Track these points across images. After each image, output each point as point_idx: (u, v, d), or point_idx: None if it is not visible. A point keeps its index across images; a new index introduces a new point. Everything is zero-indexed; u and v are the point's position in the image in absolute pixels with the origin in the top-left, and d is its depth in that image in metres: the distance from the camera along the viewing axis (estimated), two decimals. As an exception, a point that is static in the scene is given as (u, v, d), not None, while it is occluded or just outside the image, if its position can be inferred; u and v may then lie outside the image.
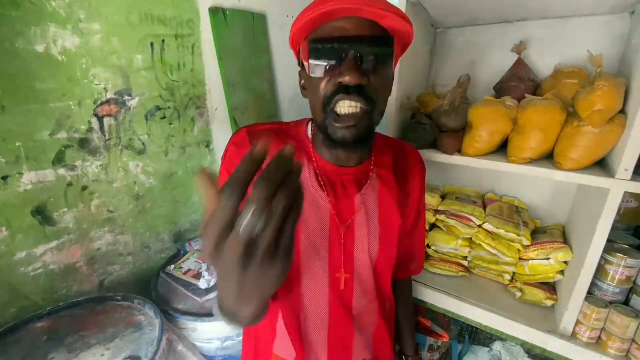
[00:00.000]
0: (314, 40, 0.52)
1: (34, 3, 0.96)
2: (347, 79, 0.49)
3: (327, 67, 0.52)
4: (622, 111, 0.75)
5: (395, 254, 0.69)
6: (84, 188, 1.15)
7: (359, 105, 0.51)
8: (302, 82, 0.61)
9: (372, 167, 0.65)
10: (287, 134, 0.65)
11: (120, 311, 1.08)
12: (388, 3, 0.51)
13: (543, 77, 1.00)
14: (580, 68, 0.91)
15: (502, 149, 0.94)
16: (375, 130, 0.69)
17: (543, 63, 1.01)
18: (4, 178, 0.98)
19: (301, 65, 0.59)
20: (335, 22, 0.51)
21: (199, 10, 1.40)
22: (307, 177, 0.62)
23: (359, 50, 0.49)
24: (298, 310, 0.64)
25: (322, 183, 0.62)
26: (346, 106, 0.51)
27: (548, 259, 0.96)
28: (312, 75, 0.54)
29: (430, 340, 1.15)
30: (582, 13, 0.93)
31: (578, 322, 0.87)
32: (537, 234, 1.05)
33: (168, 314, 1.13)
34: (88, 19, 1.08)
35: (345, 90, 0.51)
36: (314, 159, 0.63)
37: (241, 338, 1.15)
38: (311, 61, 0.52)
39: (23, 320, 0.99)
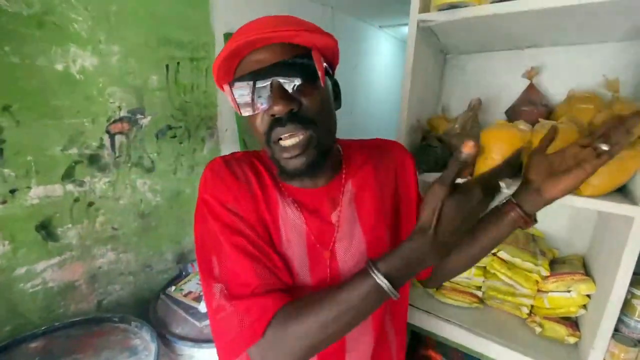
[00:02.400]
0: (236, 79, 0.50)
1: (58, 24, 1.01)
2: (275, 110, 0.47)
3: (256, 103, 0.50)
4: (642, 136, 0.73)
5: None
6: (90, 204, 1.15)
7: (297, 132, 0.49)
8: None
9: (343, 180, 0.62)
10: (260, 161, 0.61)
11: (116, 333, 1.03)
12: (293, 21, 0.51)
13: (555, 102, 0.98)
14: (594, 93, 0.90)
15: (516, 174, 0.91)
16: (349, 138, 0.68)
17: (554, 88, 1.01)
18: (12, 191, 0.98)
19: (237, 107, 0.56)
20: (249, 56, 0.50)
21: (214, 35, 1.45)
22: (282, 199, 0.58)
23: (281, 76, 0.48)
24: None
25: (296, 205, 0.58)
26: (287, 137, 0.50)
27: (569, 291, 0.90)
28: (244, 115, 0.52)
29: (443, 378, 1.08)
30: (595, 40, 0.93)
31: (605, 363, 0.80)
32: (555, 264, 1.00)
33: (165, 338, 1.08)
34: (108, 40, 1.12)
35: (279, 122, 0.49)
36: (282, 187, 0.59)
37: None
38: (238, 102, 0.51)
39: (16, 340, 0.96)
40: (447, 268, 0.71)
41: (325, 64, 0.53)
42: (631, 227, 0.70)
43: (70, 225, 1.11)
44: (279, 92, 0.48)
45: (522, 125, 0.87)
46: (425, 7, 0.89)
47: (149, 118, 1.27)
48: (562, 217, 1.08)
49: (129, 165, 1.24)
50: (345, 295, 0.47)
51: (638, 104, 0.72)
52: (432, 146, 0.95)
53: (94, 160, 1.14)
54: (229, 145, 1.59)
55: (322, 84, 0.51)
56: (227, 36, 1.49)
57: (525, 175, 0.60)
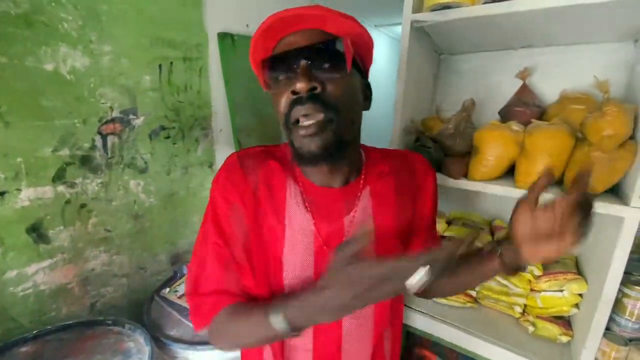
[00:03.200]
0: (268, 59, 0.53)
1: (47, 24, 0.99)
2: (297, 87, 0.48)
3: (283, 83, 0.52)
4: (633, 137, 0.74)
5: None
6: (82, 206, 1.14)
7: (316, 113, 0.49)
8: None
9: (361, 186, 0.61)
10: (274, 156, 0.62)
11: (109, 336, 1.02)
12: (324, 7, 0.51)
13: (548, 103, 0.99)
14: (586, 94, 0.91)
15: (508, 174, 0.92)
16: (373, 146, 0.68)
17: (547, 89, 1.01)
18: (2, 194, 0.96)
19: (265, 87, 0.58)
20: (284, 39, 0.52)
21: (208, 35, 1.44)
22: (292, 198, 0.59)
23: (309, 59, 0.49)
24: None
25: (306, 204, 0.59)
26: (304, 116, 0.50)
27: (561, 290, 0.91)
28: (271, 92, 0.54)
29: (437, 378, 1.08)
30: (586, 41, 0.94)
31: (597, 361, 0.80)
32: (549, 264, 1.00)
33: (159, 340, 1.07)
34: (99, 40, 1.11)
35: (299, 101, 0.50)
36: (299, 181, 0.60)
37: (235, 369, 1.09)
38: (267, 79, 0.53)
39: (6, 344, 0.94)
40: (434, 293, 0.74)
41: (356, 58, 0.54)
42: (622, 227, 0.70)
43: (61, 228, 1.09)
44: (303, 71, 0.49)
45: (515, 125, 0.87)
46: (418, 8, 0.89)
47: (141, 118, 1.26)
48: (554, 217, 1.09)
49: (122, 166, 1.23)
50: (256, 320, 0.52)
51: (628, 105, 0.73)
52: (425, 147, 0.95)
53: (85, 161, 1.13)
54: (224, 145, 1.58)
55: (348, 71, 0.51)
56: (221, 36, 1.47)
57: (510, 226, 0.55)
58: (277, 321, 0.48)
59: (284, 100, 0.51)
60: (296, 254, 0.58)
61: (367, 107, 0.59)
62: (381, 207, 0.61)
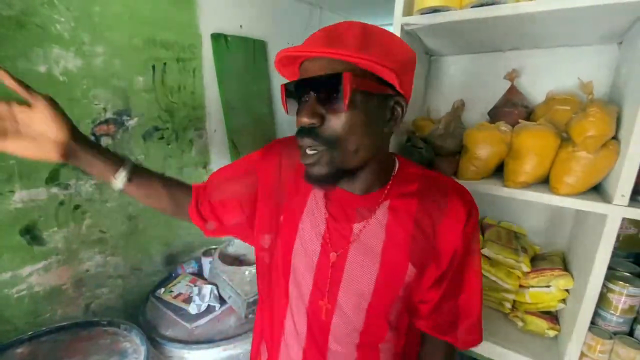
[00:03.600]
0: (286, 84, 0.55)
1: (39, 25, 0.99)
2: (299, 120, 0.51)
3: (294, 110, 0.55)
4: (615, 137, 0.76)
5: (391, 302, 0.60)
6: (76, 207, 1.14)
7: (314, 146, 0.51)
8: None
9: (382, 198, 0.59)
10: None
11: (105, 337, 1.03)
12: (340, 38, 0.50)
13: (535, 104, 1.01)
14: (572, 95, 0.93)
15: (497, 174, 0.94)
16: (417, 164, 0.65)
17: (535, 90, 1.03)
18: (-5, 196, 0.96)
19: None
20: (304, 63, 0.54)
21: (201, 36, 1.44)
22: (317, 195, 0.62)
23: (316, 89, 0.50)
24: (282, 317, 0.65)
25: (325, 202, 0.62)
26: (307, 145, 0.52)
27: (549, 286, 0.94)
28: (290, 115, 0.57)
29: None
30: (572, 43, 0.96)
31: (582, 354, 0.83)
32: (537, 260, 1.03)
33: (155, 340, 1.08)
34: (92, 41, 1.11)
35: (300, 132, 0.52)
36: None
37: (230, 368, 1.10)
38: (287, 104, 0.56)
39: (2, 346, 0.95)
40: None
41: (385, 80, 0.51)
42: (605, 224, 0.73)
43: (55, 229, 1.10)
44: (306, 105, 0.51)
45: (503, 126, 0.89)
46: (408, 11, 0.90)
47: (135, 119, 1.26)
48: (542, 216, 1.11)
49: (116, 167, 1.23)
50: None
51: (611, 106, 0.75)
52: (416, 147, 0.96)
53: (79, 163, 1.13)
54: (218, 146, 1.59)
55: (345, 110, 0.49)
56: (215, 36, 1.48)
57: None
58: None
59: (297, 126, 0.54)
60: (303, 242, 0.61)
61: (391, 127, 0.55)
62: (396, 225, 0.58)
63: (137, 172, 0.65)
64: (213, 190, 0.71)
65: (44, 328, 1.01)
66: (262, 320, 0.74)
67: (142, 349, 0.97)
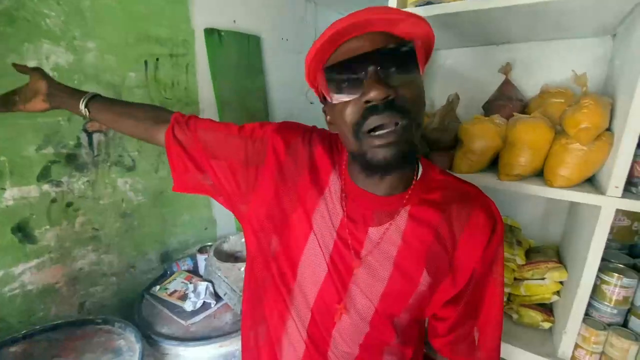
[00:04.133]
0: (330, 66, 0.49)
1: (29, 20, 0.97)
2: (372, 95, 0.45)
3: (350, 91, 0.48)
4: (609, 129, 0.76)
5: (399, 309, 0.58)
6: (69, 204, 1.13)
7: (393, 120, 0.47)
8: (328, 117, 0.57)
9: (404, 202, 0.56)
10: (334, 145, 0.63)
11: (99, 335, 1.02)
12: (395, 9, 0.50)
13: (530, 97, 1.01)
14: (566, 88, 0.93)
15: (492, 167, 0.94)
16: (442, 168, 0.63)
17: (529, 83, 1.03)
18: (-15, 193, 0.95)
19: (322, 98, 0.56)
20: (347, 43, 0.49)
21: (194, 31, 1.43)
22: (332, 190, 0.59)
23: (379, 64, 0.46)
24: (283, 318, 0.62)
25: (342, 201, 0.58)
26: (380, 125, 0.47)
27: (543, 279, 0.94)
28: (335, 102, 0.50)
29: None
30: (565, 36, 0.96)
31: (577, 346, 0.83)
32: (532, 253, 1.03)
33: (150, 338, 1.07)
34: (83, 36, 1.09)
35: (374, 110, 0.46)
36: (343, 177, 0.59)
37: (226, 364, 1.10)
38: (331, 88, 0.50)
39: (-6, 345, 0.94)
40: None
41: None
42: (599, 216, 0.73)
43: (48, 227, 1.08)
44: (377, 78, 0.46)
45: (498, 119, 0.89)
46: (402, 4, 0.90)
47: (128, 116, 1.25)
48: (537, 209, 1.12)
49: (109, 164, 1.22)
50: None
51: (604, 98, 0.75)
52: (412, 141, 0.96)
53: (71, 159, 1.11)
54: (212, 142, 1.57)
55: (420, 77, 0.49)
56: (208, 32, 1.47)
57: None
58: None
59: (353, 110, 0.48)
60: (317, 236, 0.58)
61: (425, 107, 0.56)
62: (415, 233, 0.55)
63: (97, 100, 0.74)
64: (203, 128, 0.68)
65: (37, 327, 1.00)
66: (253, 318, 0.69)
67: (137, 347, 0.96)
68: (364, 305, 0.58)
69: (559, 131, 0.81)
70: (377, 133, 0.48)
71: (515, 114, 0.89)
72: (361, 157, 0.51)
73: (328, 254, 0.58)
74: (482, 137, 0.88)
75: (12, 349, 0.95)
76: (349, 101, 0.49)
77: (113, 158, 1.22)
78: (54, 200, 1.09)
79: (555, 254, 1.01)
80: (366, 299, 0.57)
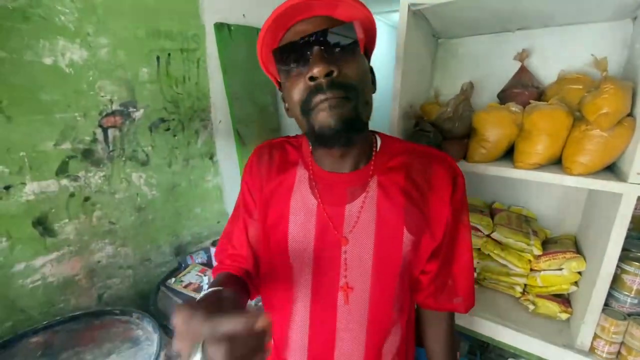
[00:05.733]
0: (278, 48, 0.53)
1: (44, 17, 0.99)
2: (315, 71, 0.48)
3: (297, 70, 0.52)
4: (630, 114, 0.74)
5: (393, 281, 0.61)
6: (86, 199, 1.15)
7: (337, 96, 0.50)
8: (285, 104, 0.60)
9: (370, 173, 0.60)
10: (292, 145, 0.68)
11: (117, 325, 1.04)
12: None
13: (546, 84, 0.99)
14: (584, 74, 0.91)
15: (507, 156, 0.93)
16: (392, 135, 0.67)
17: (545, 70, 1.01)
18: (7, 188, 0.97)
19: (278, 85, 0.61)
20: (293, 27, 0.53)
21: (205, 26, 1.43)
22: (300, 182, 0.62)
23: (322, 45, 0.49)
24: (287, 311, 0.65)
25: (313, 188, 0.61)
26: (324, 101, 0.50)
27: (561, 269, 0.93)
28: (284, 82, 0.54)
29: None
30: (584, 20, 0.93)
31: (596, 336, 0.82)
32: (548, 244, 1.02)
33: (167, 328, 1.09)
34: (96, 33, 1.11)
35: (319, 88, 0.50)
36: (309, 166, 0.63)
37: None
38: (280, 70, 0.54)
39: (18, 335, 0.96)
40: None
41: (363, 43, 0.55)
42: (620, 204, 0.71)
43: (67, 221, 1.11)
44: (319, 56, 0.49)
45: (514, 107, 0.88)
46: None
47: (141, 111, 1.26)
48: (553, 199, 1.10)
49: (124, 159, 1.23)
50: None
51: (625, 83, 0.73)
52: (425, 131, 0.95)
53: (87, 154, 1.13)
54: (223, 137, 1.58)
55: (363, 57, 0.54)
56: (218, 26, 1.47)
57: None
58: None
59: (300, 88, 0.52)
60: (298, 231, 0.61)
61: (374, 91, 0.59)
62: (387, 200, 0.59)
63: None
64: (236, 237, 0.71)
65: (58, 317, 1.03)
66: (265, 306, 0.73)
67: (155, 337, 0.98)
68: (361, 282, 0.60)
69: (578, 118, 0.80)
70: (321, 107, 0.50)
71: (531, 101, 0.87)
72: (312, 132, 0.53)
73: (312, 241, 0.60)
74: (497, 125, 0.87)
75: (34, 339, 0.98)
76: (297, 81, 0.52)
77: (127, 153, 1.24)
78: (72, 195, 1.11)
79: (572, 244, 0.99)
80: (362, 274, 0.60)
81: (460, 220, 0.63)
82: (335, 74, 0.49)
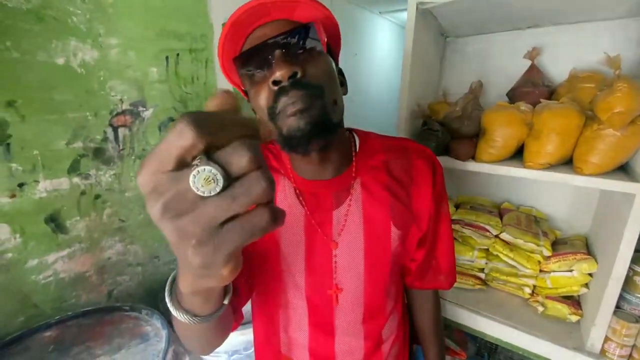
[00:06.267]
0: (238, 56, 0.51)
1: (56, 18, 1.01)
2: (278, 74, 0.46)
3: (260, 77, 0.50)
4: (644, 113, 0.73)
5: (385, 275, 0.63)
6: (97, 197, 1.17)
7: (299, 98, 0.48)
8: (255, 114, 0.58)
9: (353, 175, 0.60)
10: (272, 152, 0.65)
11: (127, 321, 1.06)
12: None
13: (557, 83, 0.98)
14: (596, 72, 0.89)
15: (516, 156, 0.92)
16: (375, 133, 0.67)
17: (556, 68, 1.00)
18: (21, 185, 0.99)
19: (244, 93, 0.59)
20: (253, 34, 0.51)
21: (213, 26, 1.44)
22: (285, 192, 0.61)
23: (283, 47, 0.48)
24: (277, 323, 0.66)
25: (298, 198, 0.60)
26: (291, 105, 0.48)
27: (571, 270, 0.91)
28: (249, 89, 0.53)
29: (447, 359, 1.09)
30: (595, 18, 0.92)
31: (607, 339, 0.81)
32: (558, 245, 1.01)
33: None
34: (107, 33, 1.12)
35: (283, 91, 0.48)
36: (291, 177, 0.62)
37: (250, 351, 1.12)
38: (242, 78, 0.52)
39: (30, 330, 0.99)
40: None
41: (328, 42, 0.54)
42: (632, 204, 0.70)
43: (78, 218, 1.13)
44: (280, 58, 0.47)
45: (523, 106, 0.87)
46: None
47: (150, 110, 1.28)
48: (564, 199, 1.08)
49: (133, 158, 1.25)
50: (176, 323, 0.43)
51: (639, 81, 0.72)
52: (433, 130, 0.95)
53: (98, 153, 1.15)
54: (231, 136, 1.59)
55: (326, 56, 0.52)
56: (226, 26, 1.48)
57: None
58: (174, 311, 0.39)
59: (265, 94, 0.50)
60: (287, 238, 0.61)
61: (345, 92, 0.59)
62: (372, 199, 0.59)
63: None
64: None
65: (69, 313, 1.05)
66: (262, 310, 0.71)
67: (164, 333, 0.99)
68: (354, 281, 0.61)
69: (589, 117, 0.78)
70: (287, 111, 0.49)
71: (542, 100, 0.86)
72: (282, 138, 0.51)
73: (303, 247, 0.60)
74: (506, 124, 0.86)
75: (46, 333, 1.00)
76: (261, 87, 0.50)
77: (137, 152, 1.26)
78: (83, 193, 1.13)
79: (583, 245, 0.97)
80: (354, 274, 0.61)
81: (441, 208, 0.66)
82: (299, 75, 0.47)
